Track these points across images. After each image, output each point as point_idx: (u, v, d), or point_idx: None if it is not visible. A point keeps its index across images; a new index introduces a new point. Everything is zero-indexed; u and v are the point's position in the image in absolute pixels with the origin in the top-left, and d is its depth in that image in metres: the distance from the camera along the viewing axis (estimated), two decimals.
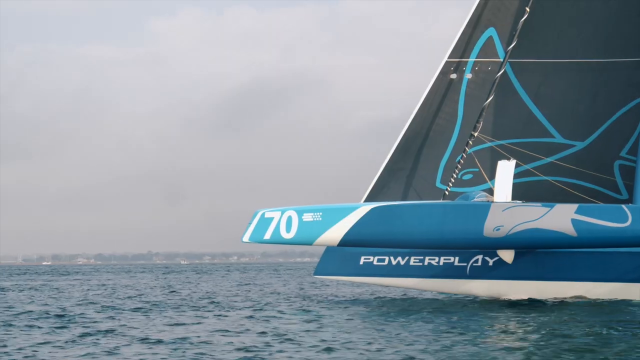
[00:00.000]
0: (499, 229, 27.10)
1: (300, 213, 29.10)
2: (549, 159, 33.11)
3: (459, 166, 32.02)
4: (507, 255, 28.72)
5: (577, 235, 26.65)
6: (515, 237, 27.07)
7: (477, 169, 31.91)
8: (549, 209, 27.01)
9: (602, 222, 26.51)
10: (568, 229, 26.65)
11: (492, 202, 28.03)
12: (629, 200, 31.38)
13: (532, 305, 27.80)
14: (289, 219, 29.15)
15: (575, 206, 26.97)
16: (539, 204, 27.36)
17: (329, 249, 32.18)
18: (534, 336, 19.06)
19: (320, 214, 28.82)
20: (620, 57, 32.96)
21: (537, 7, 32.80)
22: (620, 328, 20.38)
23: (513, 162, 29.14)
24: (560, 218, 26.75)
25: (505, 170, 28.61)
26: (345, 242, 28.76)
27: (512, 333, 19.80)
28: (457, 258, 30.78)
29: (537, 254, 29.63)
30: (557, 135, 33.41)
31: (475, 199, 28.94)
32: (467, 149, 31.98)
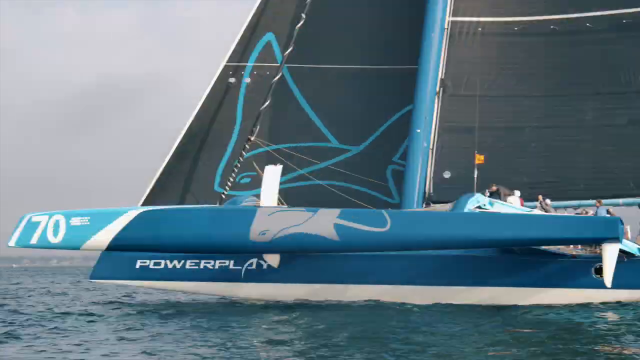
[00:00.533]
0: (264, 233, 27.19)
1: (68, 217, 28.55)
2: (324, 164, 33.67)
3: (236, 170, 32.14)
4: (273, 259, 28.94)
5: (339, 240, 26.94)
6: (280, 241, 27.20)
7: (255, 173, 32.03)
8: (313, 213, 27.27)
9: (363, 226, 26.92)
10: (331, 233, 26.96)
11: (259, 206, 28.14)
12: (401, 204, 32.27)
13: (303, 307, 28.01)
14: (57, 223, 28.55)
15: (337, 211, 27.29)
16: (304, 209, 27.60)
17: (105, 253, 31.67)
18: (299, 337, 19.16)
19: (88, 218, 28.35)
20: (393, 64, 33.83)
21: (315, 13, 33.30)
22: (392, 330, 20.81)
23: (280, 167, 29.30)
24: (323, 223, 27.02)
25: (272, 175, 28.73)
26: (113, 246, 28.35)
27: (277, 335, 19.83)
28: (232, 261, 30.82)
29: (311, 258, 29.95)
30: (333, 140, 34.00)
31: (243, 203, 29.03)
32: (243, 153, 32.12)
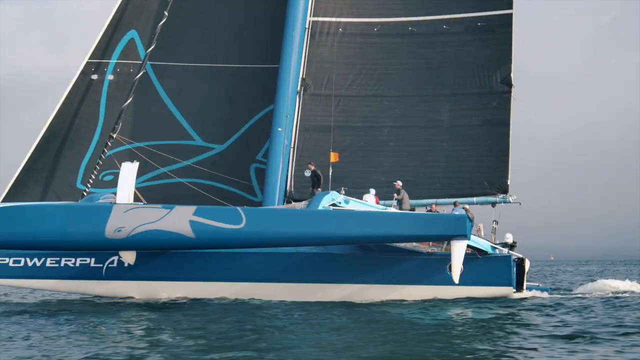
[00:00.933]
0: (120, 230, 27.10)
1: None
2: (188, 162, 33.71)
3: (98, 167, 31.93)
4: (129, 257, 28.81)
5: (195, 237, 27.03)
6: (136, 238, 27.12)
7: (118, 170, 31.85)
8: (169, 210, 27.28)
9: (218, 223, 27.05)
10: (186, 230, 27.01)
11: (115, 203, 28.01)
12: (263, 202, 32.50)
13: (164, 306, 27.95)
14: None
15: (193, 208, 27.35)
16: (160, 206, 27.57)
17: None
18: (159, 336, 19.13)
19: None
20: (257, 63, 34.08)
21: (178, 11, 33.36)
22: (251, 326, 20.89)
23: (136, 164, 29.19)
24: (179, 219, 27.06)
25: (128, 172, 28.60)
26: None
27: (137, 333, 19.79)
28: (93, 259, 30.57)
29: (172, 255, 29.90)
30: (197, 138, 34.07)
31: (100, 200, 28.84)
32: (105, 150, 31.94)
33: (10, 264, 31.11)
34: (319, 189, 30.91)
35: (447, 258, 28.44)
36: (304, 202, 29.24)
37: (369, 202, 29.60)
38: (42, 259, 30.82)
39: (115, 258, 30.26)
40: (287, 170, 32.53)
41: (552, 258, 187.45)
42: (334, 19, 33.42)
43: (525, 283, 30.76)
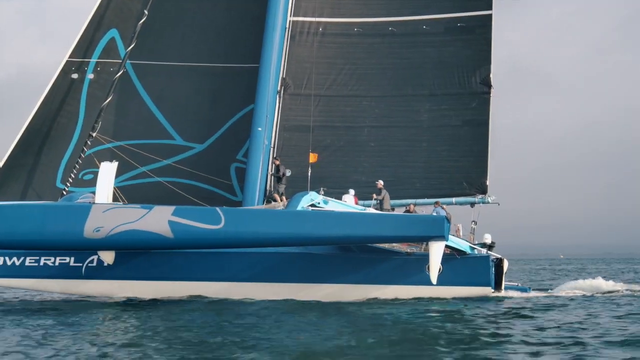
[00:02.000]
0: (99, 230, 27.04)
1: None
2: (168, 161, 33.68)
3: (77, 166, 31.88)
4: (108, 256, 28.78)
5: (173, 237, 26.98)
6: (114, 238, 27.07)
7: (97, 169, 31.79)
8: (148, 210, 27.24)
9: (197, 223, 27.03)
10: (165, 230, 26.97)
11: (94, 203, 27.97)
12: (242, 202, 32.50)
13: (143, 305, 27.93)
14: None
15: (172, 208, 27.32)
16: (139, 206, 27.52)
17: None
18: (134, 335, 19.11)
19: None
20: (238, 62, 34.09)
21: (158, 10, 33.32)
22: (230, 325, 20.95)
23: (115, 163, 29.19)
24: (158, 220, 27.02)
25: (106, 171, 28.60)
26: None
27: (117, 333, 19.80)
28: (72, 258, 30.53)
29: (152, 255, 29.89)
30: (178, 137, 34.04)
31: (79, 200, 28.79)
32: (85, 149, 31.88)
33: None
34: (283, 185, 31.25)
35: (426, 258, 28.47)
36: (282, 203, 29.32)
37: (348, 202, 29.65)
38: (22, 258, 30.77)
39: (95, 257, 30.23)
40: (267, 170, 32.56)
41: (562, 257, 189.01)
42: (314, 19, 33.47)
43: (503, 283, 30.87)
